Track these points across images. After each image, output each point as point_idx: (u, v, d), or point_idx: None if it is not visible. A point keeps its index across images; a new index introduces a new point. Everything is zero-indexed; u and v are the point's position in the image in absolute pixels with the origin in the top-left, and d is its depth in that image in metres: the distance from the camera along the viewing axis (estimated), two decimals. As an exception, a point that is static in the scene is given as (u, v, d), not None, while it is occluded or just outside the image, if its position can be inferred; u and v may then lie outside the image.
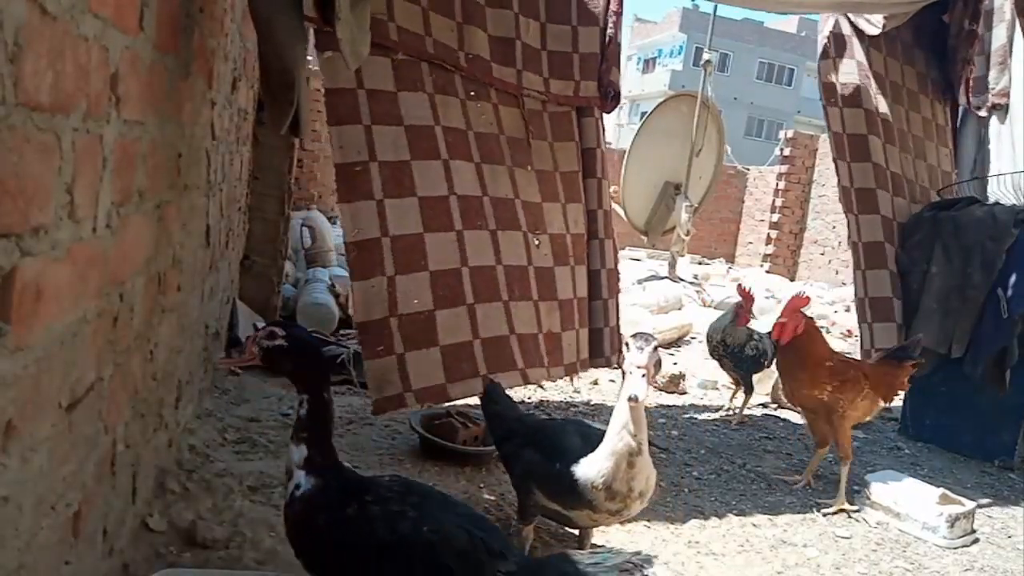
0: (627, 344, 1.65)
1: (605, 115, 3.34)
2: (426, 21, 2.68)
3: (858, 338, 3.84)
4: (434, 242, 2.58)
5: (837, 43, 3.79)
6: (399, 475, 1.61)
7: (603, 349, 3.19)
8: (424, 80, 2.66)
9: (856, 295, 3.78)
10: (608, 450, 1.70)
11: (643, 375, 1.60)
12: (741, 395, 3.80)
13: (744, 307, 3.64)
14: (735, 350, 3.66)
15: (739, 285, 3.93)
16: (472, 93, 2.84)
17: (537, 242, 2.92)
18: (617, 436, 1.69)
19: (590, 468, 1.73)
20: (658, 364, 1.65)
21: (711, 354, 3.83)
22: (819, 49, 3.87)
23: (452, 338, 2.53)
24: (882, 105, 3.81)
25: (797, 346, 2.81)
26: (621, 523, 2.20)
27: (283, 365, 1.47)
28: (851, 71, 3.78)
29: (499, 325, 2.68)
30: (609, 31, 3.25)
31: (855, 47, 3.79)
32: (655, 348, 1.63)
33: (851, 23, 3.81)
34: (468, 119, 2.79)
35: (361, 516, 1.36)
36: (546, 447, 1.89)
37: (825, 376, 2.79)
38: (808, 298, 2.99)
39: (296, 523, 1.42)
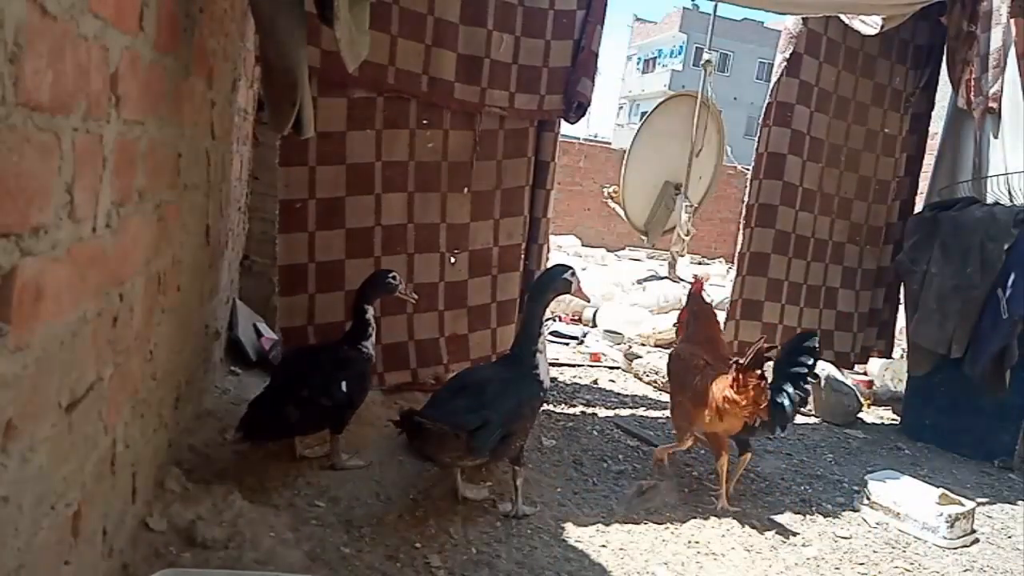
0: None
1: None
2: (392, 49, 2.96)
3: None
4: (353, 266, 3.03)
5: (790, 64, 3.91)
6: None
7: None
8: (376, 117, 3.00)
9: (731, 297, 4.11)
10: None
11: None
12: None
13: None
14: None
15: None
16: (425, 121, 3.13)
17: (453, 260, 3.35)
18: None
19: None
20: None
21: None
22: (773, 74, 4.00)
23: None
24: (816, 124, 4.01)
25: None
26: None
27: None
28: (791, 91, 3.92)
29: (400, 333, 3.21)
30: (583, 42, 3.32)
31: (804, 65, 3.91)
32: None
33: (808, 38, 3.89)
34: (413, 149, 3.12)
35: None
36: None
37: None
38: (702, 281, 3.04)
39: None
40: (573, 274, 2.39)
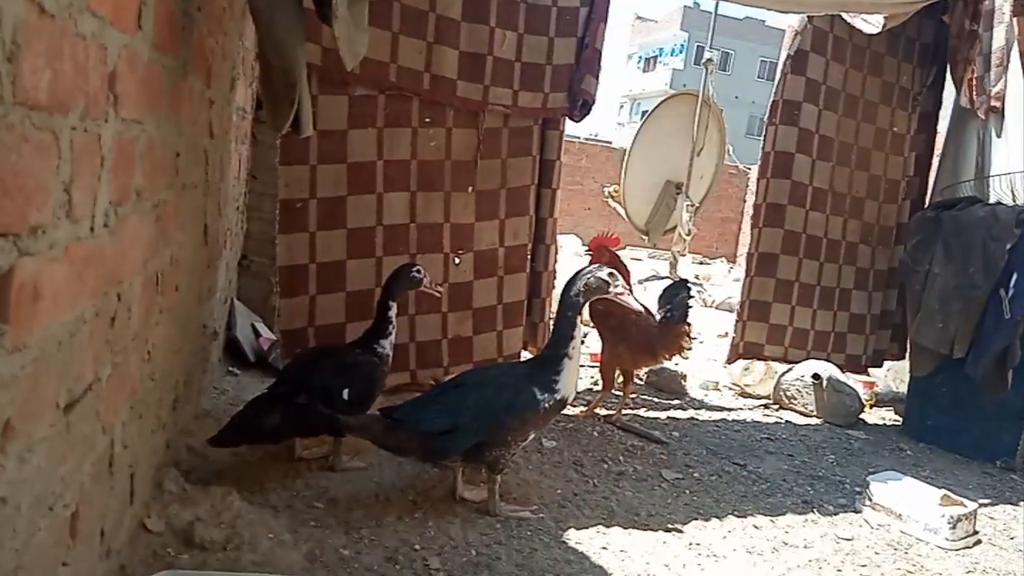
0: None
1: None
2: (394, 47, 2.93)
3: (731, 334, 4.16)
4: (354, 267, 3.02)
5: (796, 61, 3.89)
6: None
7: (537, 340, 3.66)
8: (377, 115, 2.96)
9: (740, 298, 4.12)
10: None
11: None
12: None
13: None
14: None
15: None
16: (427, 119, 3.10)
17: (458, 261, 3.31)
18: None
19: None
20: None
21: None
22: (778, 72, 4.00)
23: None
24: (824, 122, 3.99)
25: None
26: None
27: None
28: (798, 89, 3.90)
29: (400, 334, 3.19)
30: (587, 39, 3.31)
31: (811, 63, 3.89)
32: None
33: (813, 36, 3.89)
34: (415, 148, 3.10)
35: None
36: None
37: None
38: (618, 238, 3.38)
39: None
40: (612, 275, 2.23)
